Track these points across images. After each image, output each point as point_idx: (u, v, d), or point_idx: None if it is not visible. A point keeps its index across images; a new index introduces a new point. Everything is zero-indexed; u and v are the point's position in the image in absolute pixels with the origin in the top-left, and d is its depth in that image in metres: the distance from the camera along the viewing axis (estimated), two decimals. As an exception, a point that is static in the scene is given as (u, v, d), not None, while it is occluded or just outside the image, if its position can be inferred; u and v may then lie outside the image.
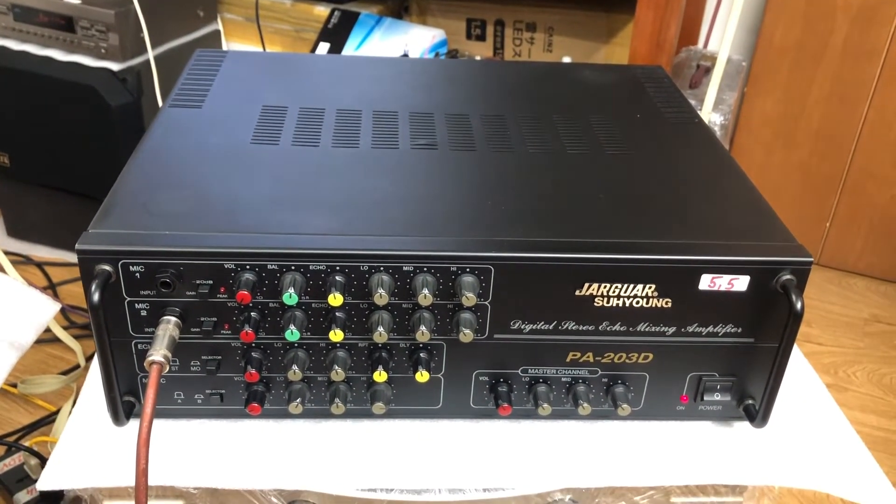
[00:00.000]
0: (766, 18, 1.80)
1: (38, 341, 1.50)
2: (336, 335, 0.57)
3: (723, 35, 1.86)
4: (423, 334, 0.57)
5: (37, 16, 1.52)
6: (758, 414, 0.62)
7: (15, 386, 1.38)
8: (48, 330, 1.15)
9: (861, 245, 1.93)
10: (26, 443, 1.26)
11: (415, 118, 0.75)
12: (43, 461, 1.19)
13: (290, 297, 0.55)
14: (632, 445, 0.63)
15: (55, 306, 0.92)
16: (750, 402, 0.64)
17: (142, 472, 0.51)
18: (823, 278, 1.93)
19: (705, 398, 0.63)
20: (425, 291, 0.56)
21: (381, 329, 0.57)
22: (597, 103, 0.81)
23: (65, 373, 1.45)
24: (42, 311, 0.89)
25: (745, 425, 0.65)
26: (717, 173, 0.70)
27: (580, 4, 1.70)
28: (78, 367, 1.41)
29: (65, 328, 1.50)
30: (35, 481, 1.19)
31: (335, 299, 0.55)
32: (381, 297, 0.55)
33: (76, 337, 1.40)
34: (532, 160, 0.70)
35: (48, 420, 1.37)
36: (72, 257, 1.77)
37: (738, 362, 0.62)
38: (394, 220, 0.60)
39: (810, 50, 1.79)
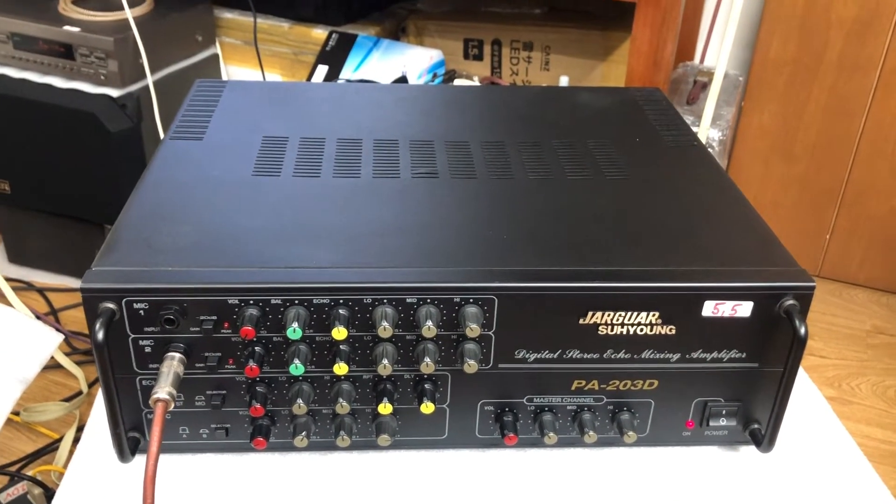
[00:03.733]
0: (761, 33, 1.81)
1: (41, 368, 1.50)
2: (340, 368, 0.57)
3: (719, 50, 1.87)
4: (427, 366, 0.57)
5: (36, 43, 1.53)
6: (764, 438, 0.62)
7: (17, 414, 1.38)
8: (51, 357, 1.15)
9: (861, 257, 1.93)
10: (29, 472, 1.26)
11: (415, 146, 0.76)
12: (46, 490, 1.19)
13: (294, 331, 0.55)
14: (638, 473, 0.63)
15: (58, 337, 0.92)
16: (755, 426, 0.64)
17: (148, 510, 0.51)
18: (825, 290, 1.94)
19: (711, 423, 0.63)
20: (429, 323, 0.56)
21: (385, 361, 0.57)
22: (596, 128, 0.82)
23: (67, 399, 1.45)
24: (46, 342, 0.89)
25: (751, 449, 0.65)
26: (717, 198, 0.70)
27: (576, 23, 1.71)
28: (80, 393, 1.41)
29: (67, 354, 1.50)
30: (39, 511, 1.19)
31: (339, 333, 0.55)
32: (385, 329, 0.55)
33: (78, 363, 1.40)
34: (533, 187, 0.70)
35: (51, 448, 1.37)
36: (73, 283, 1.77)
37: (742, 387, 0.62)
38: (396, 251, 0.60)
39: (806, 64, 1.80)
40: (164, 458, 0.61)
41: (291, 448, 0.61)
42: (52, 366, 1.40)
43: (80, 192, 1.61)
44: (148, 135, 1.55)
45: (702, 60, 1.91)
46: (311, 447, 0.62)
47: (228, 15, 1.74)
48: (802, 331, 0.57)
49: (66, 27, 1.50)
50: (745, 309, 0.58)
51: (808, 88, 1.82)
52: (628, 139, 0.79)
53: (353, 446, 0.62)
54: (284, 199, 0.66)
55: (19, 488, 1.21)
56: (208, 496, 0.60)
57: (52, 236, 1.75)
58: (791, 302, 0.58)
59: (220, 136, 0.76)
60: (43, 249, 1.78)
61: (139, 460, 0.60)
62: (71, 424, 1.37)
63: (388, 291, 0.56)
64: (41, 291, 1.76)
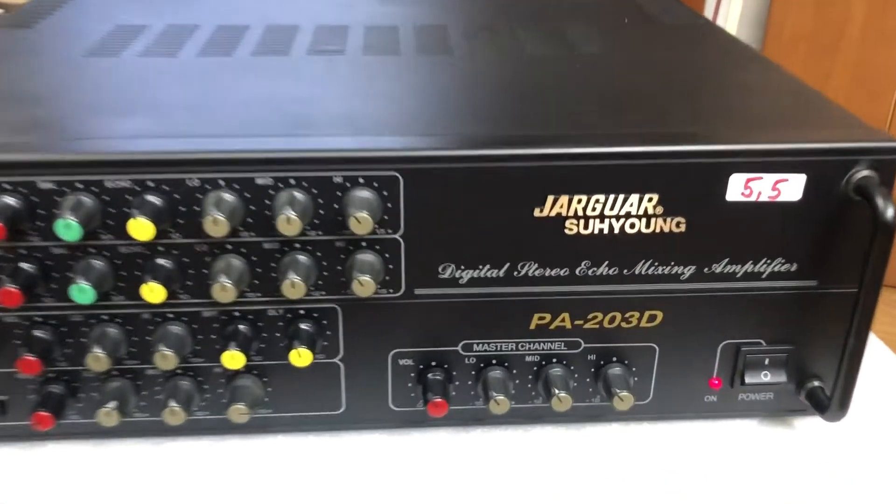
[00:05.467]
0: (773, 7, 1.63)
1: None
2: (153, 293, 0.36)
3: (725, 23, 1.67)
4: (293, 286, 0.36)
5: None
6: (830, 401, 0.40)
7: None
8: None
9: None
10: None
11: (321, 30, 0.56)
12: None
13: (66, 227, 0.34)
14: (639, 462, 0.41)
15: None
16: (816, 383, 0.42)
17: None
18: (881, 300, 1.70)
19: (747, 380, 0.42)
20: (289, 214, 0.35)
21: (225, 281, 0.36)
22: (572, 13, 0.61)
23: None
24: None
25: (810, 422, 0.43)
26: (740, 64, 0.50)
27: None
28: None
29: None
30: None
31: (141, 229, 0.34)
32: (218, 223, 0.34)
33: None
34: (476, 65, 0.50)
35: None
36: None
37: (794, 321, 0.41)
38: (254, 121, 0.39)
39: (825, 38, 1.61)
40: None
41: (97, 430, 0.40)
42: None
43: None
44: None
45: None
46: (128, 429, 0.41)
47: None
48: (890, 213, 0.36)
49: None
50: (793, 187, 0.37)
51: (828, 64, 1.62)
52: (613, 21, 0.59)
53: (196, 427, 0.41)
54: (114, 77, 0.46)
55: None
56: (-34, 508, 0.38)
57: None
58: (866, 173, 0.37)
59: (57, 25, 0.56)
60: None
61: None
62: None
63: (223, 166, 0.35)
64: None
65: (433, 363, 0.41)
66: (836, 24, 1.61)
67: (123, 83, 0.45)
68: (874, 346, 0.50)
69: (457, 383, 0.41)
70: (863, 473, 0.41)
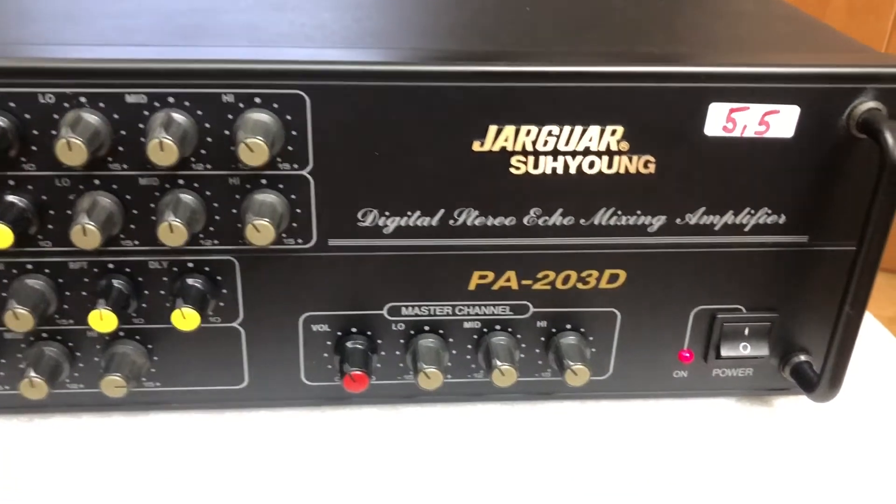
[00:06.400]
0: (756, -30, 1.56)
1: None
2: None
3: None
4: (171, 230, 0.29)
5: None
6: (820, 378, 0.34)
7: None
8: None
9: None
10: None
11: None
12: None
13: None
14: (595, 447, 0.35)
15: None
16: (803, 358, 0.36)
17: None
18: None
19: (723, 353, 0.36)
20: (161, 137, 0.28)
21: (86, 222, 0.29)
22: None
23: None
24: None
25: (795, 402, 0.37)
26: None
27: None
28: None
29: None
30: None
31: (-26, 153, 0.27)
32: (74, 149, 0.28)
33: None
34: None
35: None
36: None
37: (780, 284, 0.35)
38: (132, 30, 0.32)
39: (809, 8, 1.56)
40: None
41: (-49, 406, 0.33)
42: None
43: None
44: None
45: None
46: (-13, 404, 0.34)
47: None
48: (898, 153, 0.30)
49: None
50: (784, 121, 0.31)
51: (812, 34, 1.56)
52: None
53: (70, 403, 0.34)
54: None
55: None
56: None
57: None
58: (872, 105, 0.31)
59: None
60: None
61: None
62: None
63: (84, 79, 0.28)
64: None
65: (353, 329, 0.34)
66: (821, -7, 1.55)
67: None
68: (866, 321, 0.44)
69: (382, 353, 0.35)
70: (851, 461, 0.35)
